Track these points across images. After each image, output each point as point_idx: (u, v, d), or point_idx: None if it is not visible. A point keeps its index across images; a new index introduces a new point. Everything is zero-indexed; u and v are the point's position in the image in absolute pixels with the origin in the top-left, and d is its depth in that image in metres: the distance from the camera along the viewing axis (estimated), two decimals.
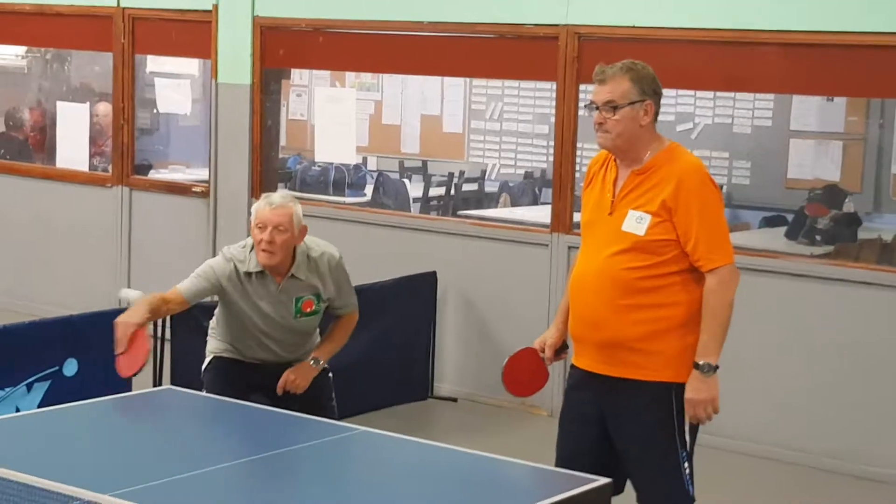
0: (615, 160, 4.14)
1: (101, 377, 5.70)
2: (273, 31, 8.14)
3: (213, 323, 5.18)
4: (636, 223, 4.01)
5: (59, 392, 5.59)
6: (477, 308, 7.55)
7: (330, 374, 5.18)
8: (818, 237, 8.16)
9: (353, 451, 3.75)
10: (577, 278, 4.16)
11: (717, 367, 4.03)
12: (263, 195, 5.12)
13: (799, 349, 6.63)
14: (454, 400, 7.49)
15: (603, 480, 3.43)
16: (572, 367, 4.25)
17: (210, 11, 8.24)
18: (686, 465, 4.08)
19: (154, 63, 9.31)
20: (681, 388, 4.05)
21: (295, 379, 4.97)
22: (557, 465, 4.12)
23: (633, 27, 6.91)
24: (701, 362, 4.01)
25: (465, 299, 7.55)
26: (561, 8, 7.06)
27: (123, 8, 8.65)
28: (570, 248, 7.18)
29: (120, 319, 4.69)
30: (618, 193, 4.08)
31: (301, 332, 5.09)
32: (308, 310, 5.00)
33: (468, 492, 3.46)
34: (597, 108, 4.05)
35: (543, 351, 4.33)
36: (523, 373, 4.39)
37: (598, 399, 4.12)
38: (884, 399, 6.41)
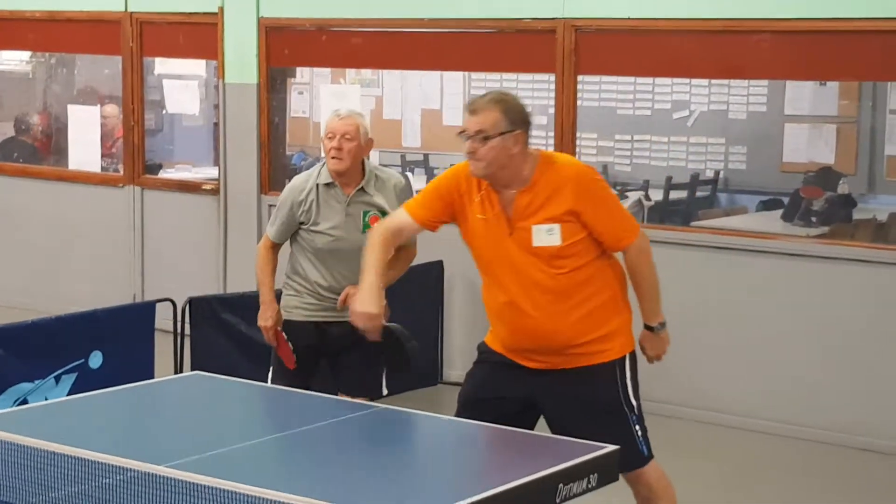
0: (489, 185, 4.22)
1: (125, 368, 5.92)
2: (278, 32, 8.32)
3: (287, 269, 5.34)
4: (547, 235, 4.15)
5: (86, 383, 5.75)
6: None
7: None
8: (813, 219, 8.32)
9: (375, 426, 3.96)
10: (506, 303, 4.24)
11: (665, 323, 4.36)
12: (333, 109, 5.33)
13: (796, 326, 6.82)
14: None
15: (612, 447, 3.63)
16: (493, 352, 4.39)
17: (216, 14, 8.42)
18: (637, 427, 4.29)
19: (162, 65, 9.50)
20: (623, 360, 4.28)
21: (356, 293, 5.03)
22: None
23: (628, 19, 7.10)
24: (654, 325, 4.33)
25: (471, 287, 7.73)
26: (558, 2, 7.24)
27: (131, 12, 8.84)
28: None
29: (261, 324, 5.23)
30: (512, 214, 4.19)
31: None
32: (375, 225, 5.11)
33: (486, 460, 3.68)
34: (468, 138, 4.16)
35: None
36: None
37: (531, 382, 4.27)
38: (880, 373, 6.59)
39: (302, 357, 5.25)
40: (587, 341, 4.22)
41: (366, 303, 4.25)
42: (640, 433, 4.31)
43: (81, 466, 3.12)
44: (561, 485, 3.35)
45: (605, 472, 3.54)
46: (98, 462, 3.11)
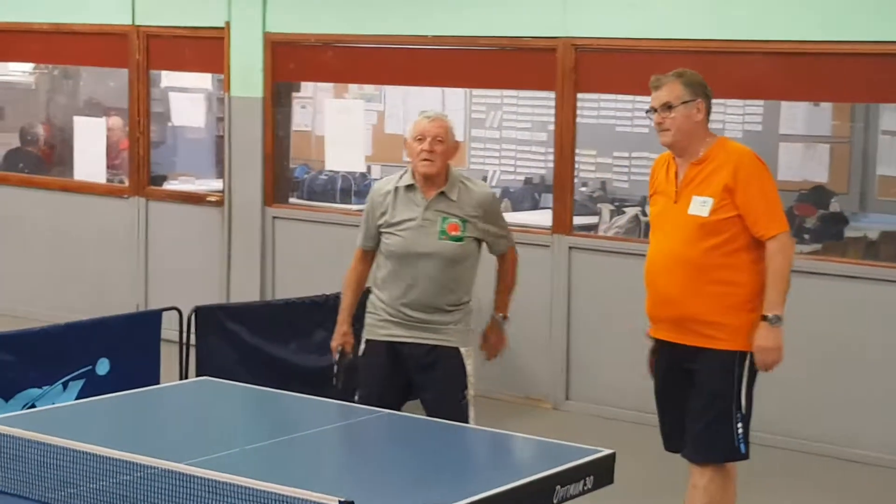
0: (674, 158, 4.61)
1: (131, 375, 6.01)
2: (283, 46, 8.43)
3: (372, 283, 5.19)
4: (700, 206, 4.48)
5: (93, 390, 5.81)
6: (482, 307, 7.84)
7: (468, 365, 5.17)
8: (806, 236, 8.44)
9: (378, 430, 4.10)
10: (648, 264, 4.62)
11: (781, 319, 4.49)
12: (420, 111, 5.31)
13: (787, 340, 6.91)
14: None
15: (606, 451, 3.77)
16: (653, 341, 4.71)
17: (223, 28, 8.55)
18: (740, 425, 4.53)
19: (168, 78, 9.62)
20: (743, 356, 4.52)
21: (494, 343, 5.24)
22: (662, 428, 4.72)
23: (628, 38, 7.22)
24: (769, 315, 4.48)
25: None
26: (558, 21, 7.37)
27: (138, 26, 8.97)
28: (570, 248, 7.51)
29: (331, 345, 5.16)
30: (680, 183, 4.54)
31: (448, 264, 5.02)
32: (453, 233, 4.99)
33: (485, 462, 3.82)
34: (655, 112, 4.54)
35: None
36: None
37: (681, 363, 4.59)
38: (868, 386, 6.70)
39: (378, 378, 5.04)
40: (708, 321, 4.47)
41: None
42: (741, 431, 4.53)
43: (99, 463, 3.24)
44: (558, 486, 3.48)
45: (600, 474, 3.67)
46: (115, 459, 3.23)
